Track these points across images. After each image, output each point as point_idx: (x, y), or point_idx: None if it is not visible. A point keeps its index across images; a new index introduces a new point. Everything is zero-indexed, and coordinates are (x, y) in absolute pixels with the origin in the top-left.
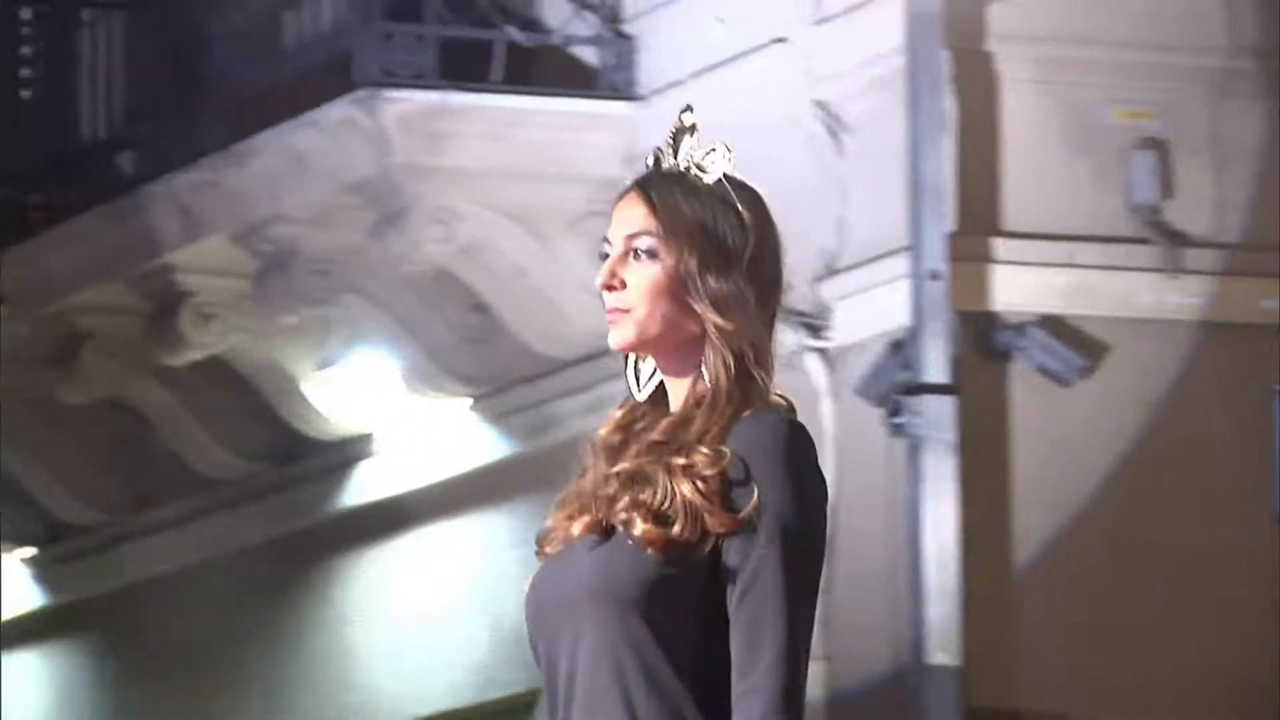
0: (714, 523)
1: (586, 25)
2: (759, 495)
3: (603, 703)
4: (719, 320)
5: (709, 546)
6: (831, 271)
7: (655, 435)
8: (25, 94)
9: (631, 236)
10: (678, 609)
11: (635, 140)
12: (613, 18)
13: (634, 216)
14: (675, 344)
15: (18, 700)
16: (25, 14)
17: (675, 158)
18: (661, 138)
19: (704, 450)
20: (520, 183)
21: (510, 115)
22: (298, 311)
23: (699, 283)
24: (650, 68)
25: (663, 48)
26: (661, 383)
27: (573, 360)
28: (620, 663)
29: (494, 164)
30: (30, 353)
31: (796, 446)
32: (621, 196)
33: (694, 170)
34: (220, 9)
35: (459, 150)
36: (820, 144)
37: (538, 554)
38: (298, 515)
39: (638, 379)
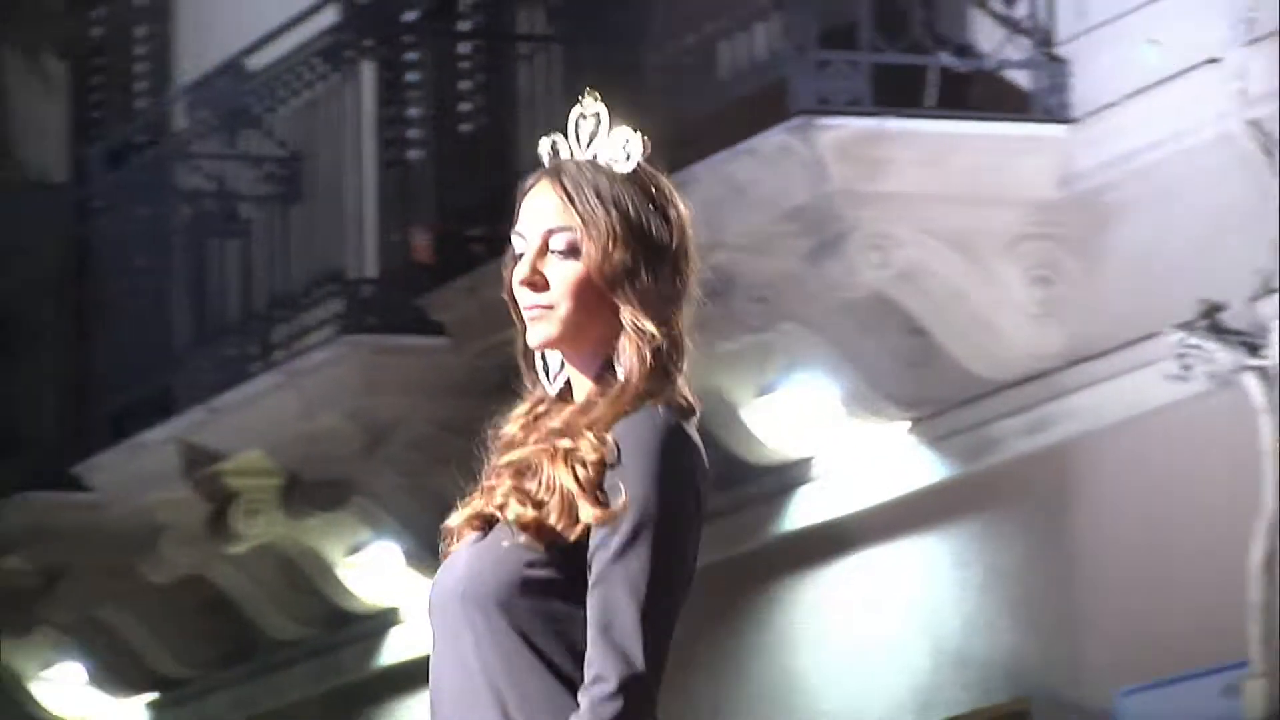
0: (585, 513)
1: (1019, 49)
2: (626, 491)
3: (475, 703)
4: (644, 321)
5: (579, 535)
6: (1268, 290)
7: (554, 424)
8: (465, 128)
9: (550, 232)
10: (547, 603)
11: (1069, 162)
12: (1045, 41)
13: (549, 209)
14: (589, 339)
15: None
16: (464, 49)
17: (582, 145)
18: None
19: (589, 437)
20: (955, 206)
21: (944, 140)
22: (737, 338)
23: (625, 282)
24: (1083, 90)
25: (1095, 70)
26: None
27: (1010, 382)
28: (490, 661)
29: (929, 188)
30: (471, 384)
31: (669, 443)
32: (531, 185)
33: (606, 159)
34: (655, 40)
35: (894, 175)
36: (1254, 163)
37: (441, 557)
38: (740, 540)
39: (547, 373)
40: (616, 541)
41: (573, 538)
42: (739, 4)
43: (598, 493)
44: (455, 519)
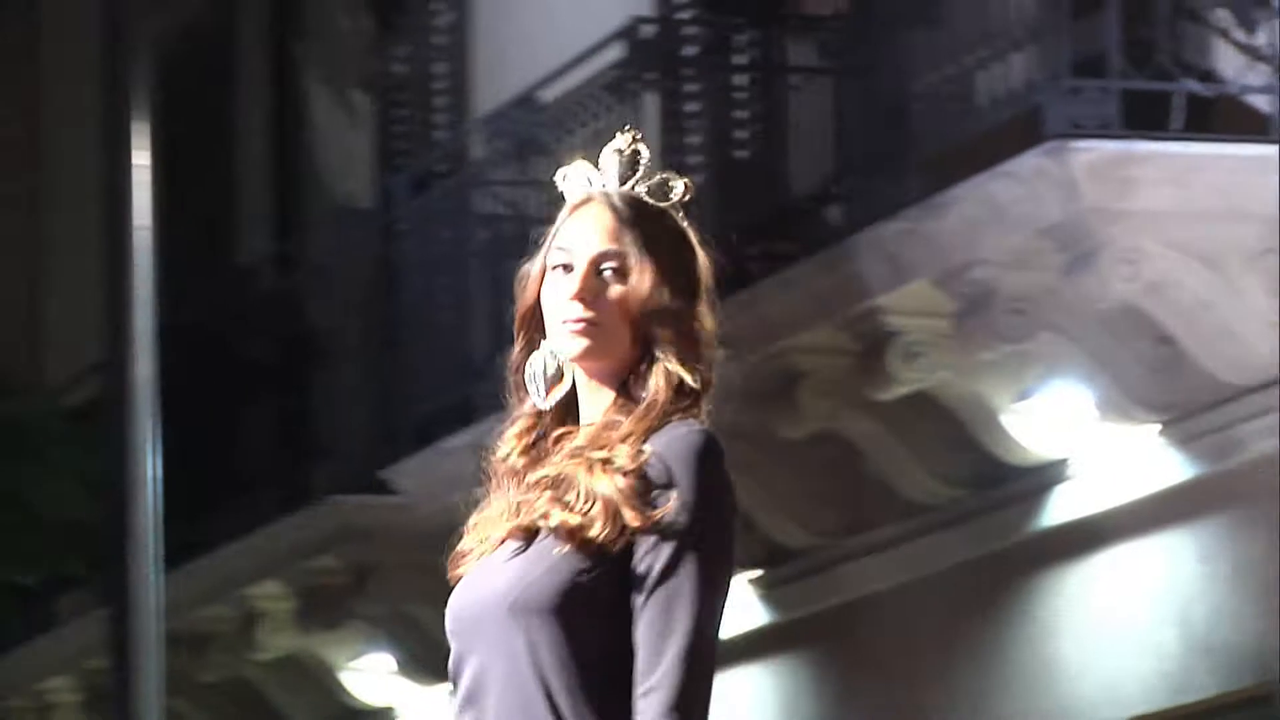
0: (631, 517)
1: (1259, 75)
2: (675, 498)
3: (527, 711)
4: (680, 348)
5: (623, 545)
6: None
7: (579, 441)
8: (741, 154)
9: (603, 255)
10: (594, 612)
11: None
12: None
13: (603, 233)
14: (617, 358)
15: (745, 709)
16: (739, 81)
17: (619, 181)
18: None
19: (624, 448)
20: (1199, 223)
21: (1189, 161)
22: (996, 348)
23: (669, 311)
24: None
25: None
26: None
27: (1255, 386)
28: (540, 672)
29: (1176, 206)
30: (750, 391)
31: (711, 454)
32: (578, 205)
33: (645, 193)
34: (918, 72)
35: (1142, 194)
36: None
37: (449, 578)
38: (998, 536)
39: (541, 388)
40: (669, 549)
41: (617, 547)
42: (996, 37)
43: (641, 501)
44: (468, 541)
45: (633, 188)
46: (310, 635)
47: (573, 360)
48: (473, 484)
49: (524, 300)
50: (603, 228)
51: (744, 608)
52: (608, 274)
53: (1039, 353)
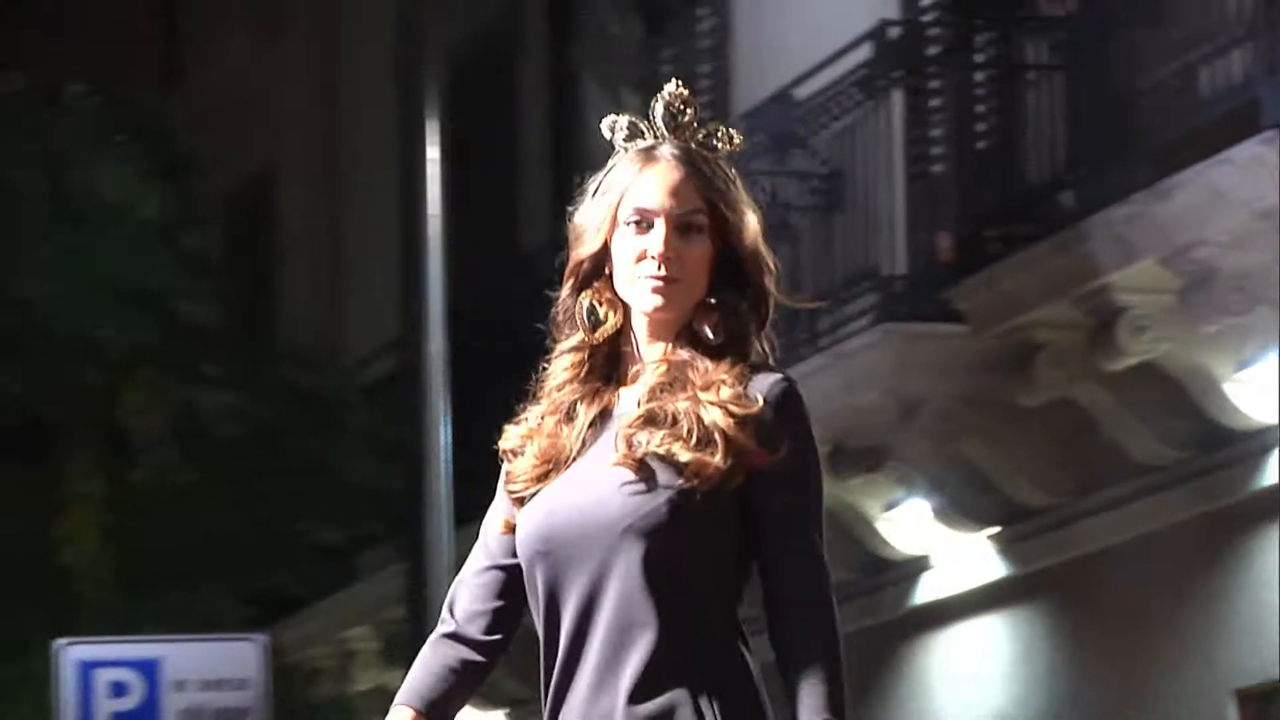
0: (753, 457)
1: None
2: (789, 443)
3: (635, 621)
4: (754, 293)
5: (739, 481)
6: None
7: (662, 379)
8: (980, 145)
9: (683, 215)
10: (703, 537)
11: None
12: None
13: (679, 193)
14: (687, 309)
15: (984, 657)
16: (979, 77)
17: (675, 130)
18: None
19: (734, 391)
20: None
21: None
22: (1218, 321)
23: (750, 262)
24: None
25: None
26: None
27: None
28: (654, 589)
29: None
30: (990, 363)
31: (803, 401)
32: (647, 163)
33: (700, 145)
34: (1144, 68)
35: None
36: None
37: (512, 494)
38: (1221, 495)
39: (592, 323)
40: (787, 485)
41: (734, 483)
42: (1216, 35)
43: (758, 442)
44: (524, 463)
45: (688, 140)
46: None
47: (653, 312)
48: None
49: (582, 248)
50: (678, 187)
51: (984, 562)
52: (688, 232)
53: (1257, 325)
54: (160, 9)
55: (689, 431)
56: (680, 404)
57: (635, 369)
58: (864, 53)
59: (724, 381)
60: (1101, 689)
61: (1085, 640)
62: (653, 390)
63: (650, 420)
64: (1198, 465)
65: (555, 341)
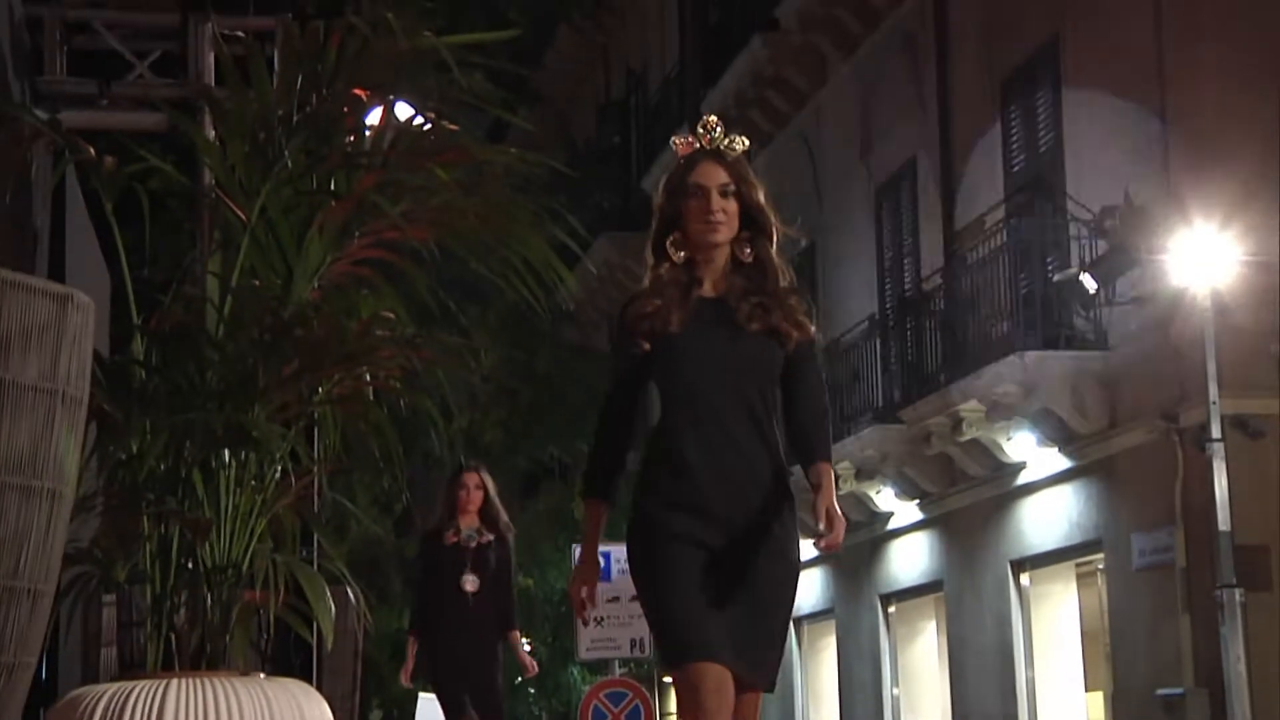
0: (799, 335)
1: None
2: (809, 321)
3: (747, 422)
4: (774, 228)
5: (792, 344)
6: None
7: (742, 284)
8: None
9: (723, 185)
10: (776, 371)
11: None
12: None
13: (720, 174)
14: (729, 241)
15: None
16: None
17: (710, 140)
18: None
19: (793, 299)
20: None
21: None
22: None
23: (762, 212)
24: None
25: None
26: (684, 258)
27: None
28: (754, 404)
29: None
30: None
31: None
32: (698, 161)
33: (726, 148)
34: None
35: None
36: None
37: (643, 324)
38: None
39: (670, 253)
40: (817, 358)
41: (790, 346)
42: None
43: (802, 327)
44: (649, 307)
45: (719, 146)
46: None
47: (709, 242)
48: None
49: (665, 213)
50: (718, 171)
51: None
52: (725, 197)
53: None
54: None
55: (788, 318)
56: (772, 301)
57: (706, 280)
58: None
59: (786, 291)
60: None
61: None
62: (748, 290)
63: (764, 309)
64: None
65: (650, 261)
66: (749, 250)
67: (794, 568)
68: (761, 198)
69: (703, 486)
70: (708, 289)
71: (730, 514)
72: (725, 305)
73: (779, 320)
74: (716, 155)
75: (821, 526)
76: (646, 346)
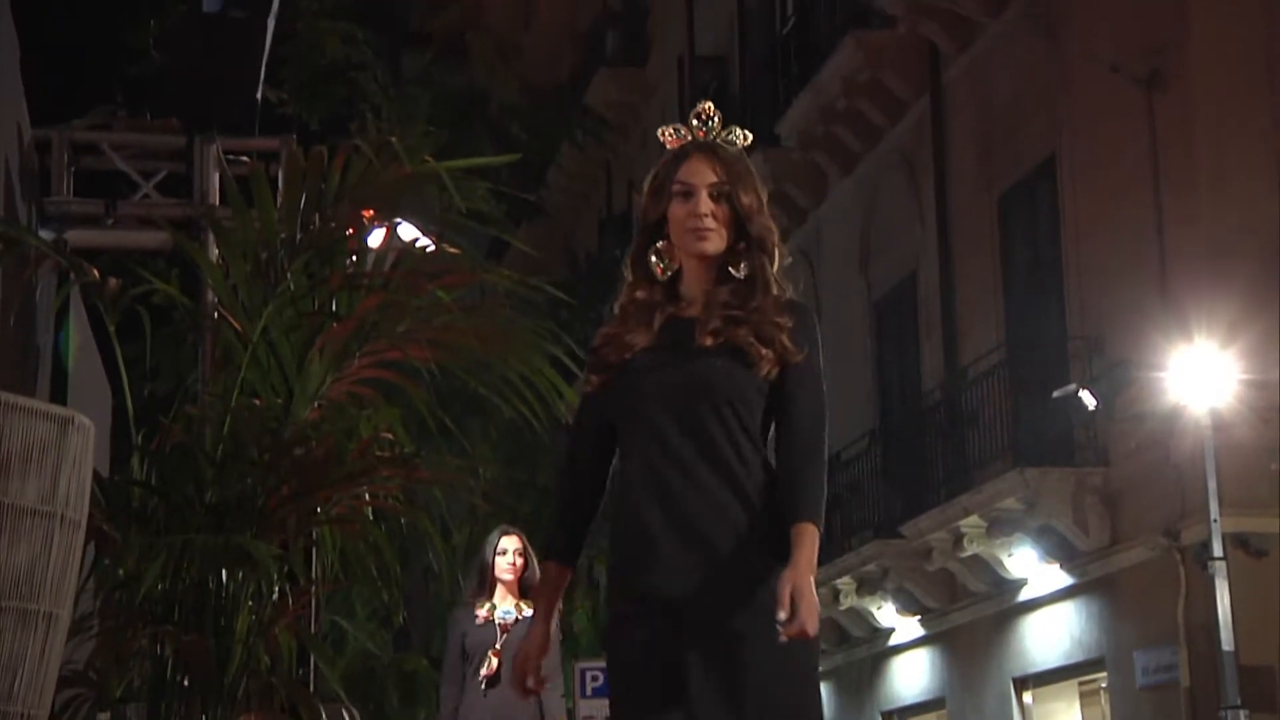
0: (790, 355)
1: None
2: (809, 348)
3: (710, 462)
4: (769, 239)
5: (776, 370)
6: None
7: (724, 298)
8: None
9: (713, 185)
10: (752, 398)
11: None
12: None
13: (710, 172)
14: (721, 250)
15: None
16: None
17: (705, 132)
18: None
19: (779, 316)
20: None
21: None
22: None
23: (756, 218)
24: None
25: None
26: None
27: None
28: (716, 439)
29: None
30: None
31: (817, 323)
32: (688, 156)
33: (724, 142)
34: None
35: None
36: None
37: (603, 366)
38: None
39: (659, 264)
40: (811, 372)
41: (774, 371)
42: None
43: (795, 345)
44: (614, 338)
45: (715, 139)
46: None
47: (696, 253)
48: None
49: (647, 217)
50: (709, 168)
51: None
52: (717, 200)
53: None
54: None
55: (764, 336)
56: (750, 316)
57: (689, 295)
58: None
59: (769, 307)
60: None
61: None
62: (727, 305)
63: (735, 323)
64: None
65: (629, 278)
66: (743, 265)
67: (777, 621)
68: (760, 204)
69: (663, 557)
70: (688, 308)
71: (697, 590)
72: (694, 323)
73: (745, 337)
74: (710, 150)
75: (781, 614)
76: (595, 380)
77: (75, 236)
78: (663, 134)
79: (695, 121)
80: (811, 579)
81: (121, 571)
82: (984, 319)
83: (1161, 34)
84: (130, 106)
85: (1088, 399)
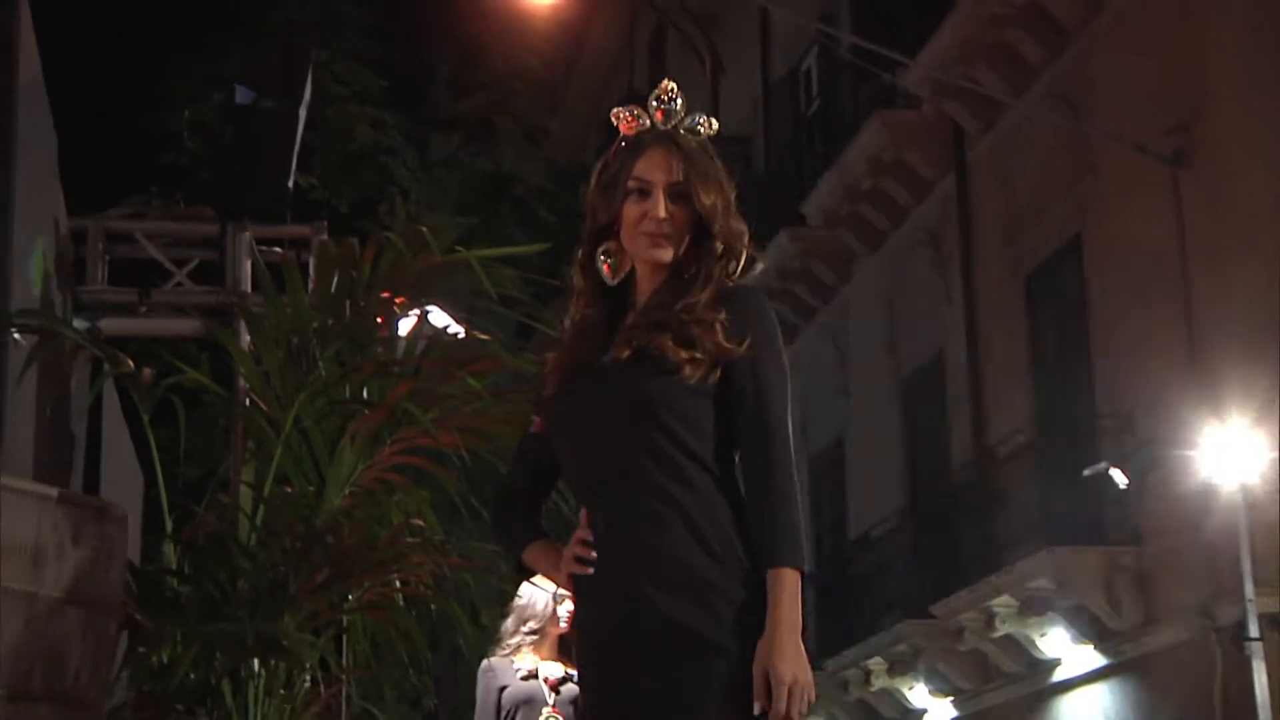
0: (726, 352)
1: None
2: (751, 333)
3: (648, 494)
4: (737, 244)
5: (718, 372)
6: None
7: (656, 302)
8: None
9: (673, 184)
10: (693, 410)
11: None
12: None
13: (669, 167)
14: (678, 253)
15: None
16: None
17: (664, 113)
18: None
19: (710, 312)
20: None
21: None
22: None
23: (719, 220)
24: None
25: None
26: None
27: None
28: (646, 465)
29: None
30: None
31: (767, 304)
32: (645, 147)
33: (686, 130)
34: None
35: None
36: None
37: (542, 388)
38: None
39: (607, 262)
40: (757, 365)
41: (714, 374)
42: None
43: (729, 338)
44: (552, 378)
45: (675, 128)
46: None
47: (649, 260)
48: None
49: (598, 217)
50: (668, 163)
51: None
52: (677, 197)
53: None
54: None
55: (686, 336)
56: (676, 317)
57: (640, 303)
58: None
59: (698, 301)
60: None
61: None
62: (658, 307)
63: (658, 326)
64: None
65: (577, 285)
66: (694, 268)
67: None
68: (726, 203)
69: (608, 623)
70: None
71: (637, 649)
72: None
73: (659, 341)
74: (670, 142)
75: (756, 709)
76: (537, 421)
77: (109, 325)
78: (616, 116)
79: (655, 103)
80: (796, 642)
81: (154, 660)
82: (1012, 397)
83: (1185, 111)
84: (164, 195)
85: (1119, 477)
